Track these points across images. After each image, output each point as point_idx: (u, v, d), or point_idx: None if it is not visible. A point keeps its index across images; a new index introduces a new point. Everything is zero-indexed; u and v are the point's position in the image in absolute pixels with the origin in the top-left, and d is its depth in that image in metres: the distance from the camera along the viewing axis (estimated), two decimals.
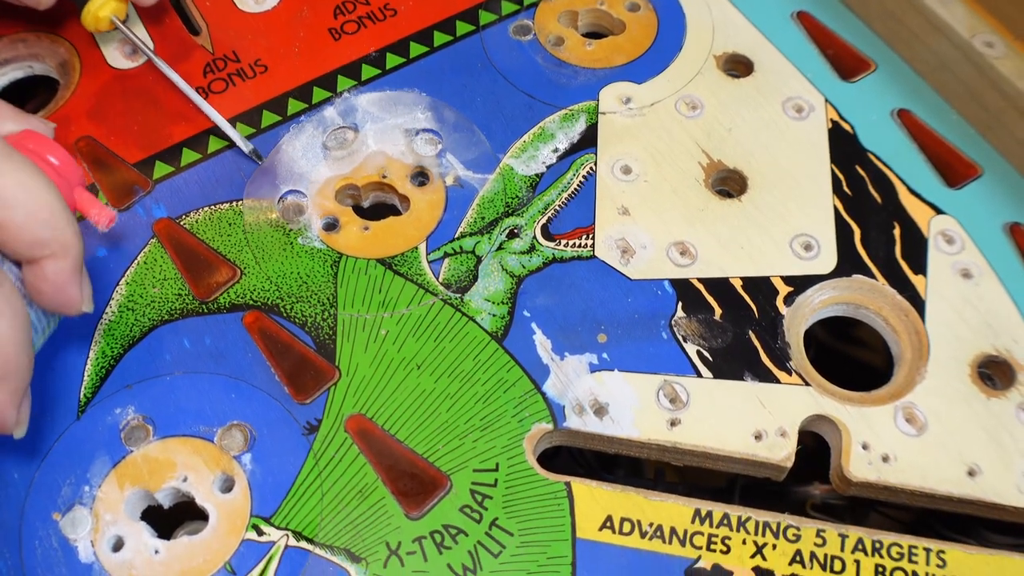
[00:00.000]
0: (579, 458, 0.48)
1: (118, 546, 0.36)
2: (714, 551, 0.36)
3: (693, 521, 0.37)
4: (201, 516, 0.37)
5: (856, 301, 0.42)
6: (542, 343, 0.40)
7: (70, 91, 0.46)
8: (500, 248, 0.42)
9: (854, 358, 0.54)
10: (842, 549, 0.37)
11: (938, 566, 0.36)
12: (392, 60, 0.47)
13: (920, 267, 0.42)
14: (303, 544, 0.36)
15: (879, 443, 0.38)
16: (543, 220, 0.43)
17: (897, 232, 0.43)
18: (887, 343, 0.42)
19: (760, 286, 0.41)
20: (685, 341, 0.40)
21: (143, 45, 0.45)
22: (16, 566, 0.35)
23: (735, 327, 0.40)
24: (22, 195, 0.32)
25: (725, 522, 0.37)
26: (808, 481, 0.46)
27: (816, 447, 0.40)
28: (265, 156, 0.44)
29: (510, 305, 0.41)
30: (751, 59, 0.48)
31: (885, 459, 0.38)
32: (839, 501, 0.47)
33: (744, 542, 0.36)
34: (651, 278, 0.41)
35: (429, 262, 0.42)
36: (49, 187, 0.32)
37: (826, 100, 0.47)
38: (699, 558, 0.36)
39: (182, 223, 0.43)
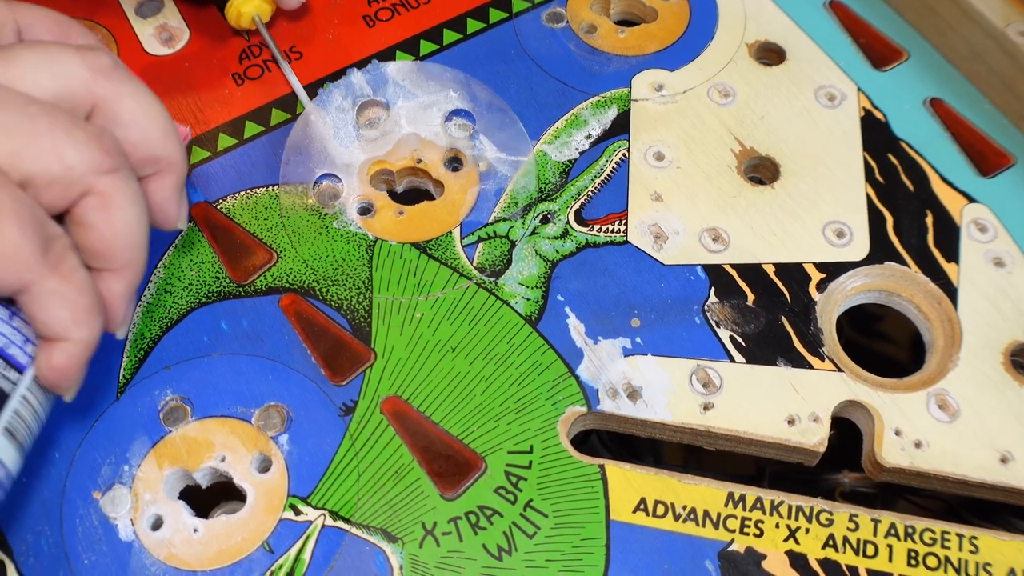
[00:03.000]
0: (609, 445, 0.49)
1: (157, 524, 0.36)
2: (747, 534, 0.36)
3: (726, 504, 0.37)
4: (238, 497, 0.37)
5: (889, 288, 0.42)
6: (576, 327, 0.40)
7: None
8: (534, 233, 0.42)
9: (879, 353, 0.54)
10: (875, 534, 0.37)
11: (971, 552, 0.36)
12: (425, 47, 0.48)
13: (953, 255, 0.42)
14: (340, 524, 0.36)
15: (912, 429, 0.38)
16: (576, 205, 0.43)
17: (930, 220, 0.43)
18: (919, 331, 0.42)
19: (793, 272, 0.42)
20: (718, 326, 0.40)
21: (278, 50, 0.46)
22: (57, 543, 0.36)
23: (768, 313, 0.41)
24: (140, 116, 0.34)
25: (758, 506, 0.37)
26: (837, 469, 0.47)
27: (841, 439, 0.41)
28: (292, 127, 0.45)
29: (544, 289, 0.41)
30: (783, 47, 0.48)
31: (918, 445, 0.38)
32: (868, 489, 0.47)
33: (777, 526, 0.37)
34: (684, 263, 0.42)
35: (463, 246, 0.42)
36: (161, 107, 0.34)
37: (858, 89, 0.47)
38: (732, 541, 0.36)
39: (219, 207, 0.43)
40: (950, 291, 0.41)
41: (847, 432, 0.40)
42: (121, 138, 0.33)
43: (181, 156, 0.36)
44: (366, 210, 0.43)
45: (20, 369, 0.32)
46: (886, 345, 0.54)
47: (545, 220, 0.43)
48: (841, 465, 0.46)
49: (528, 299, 0.41)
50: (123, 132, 0.33)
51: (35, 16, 0.36)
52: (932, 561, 0.36)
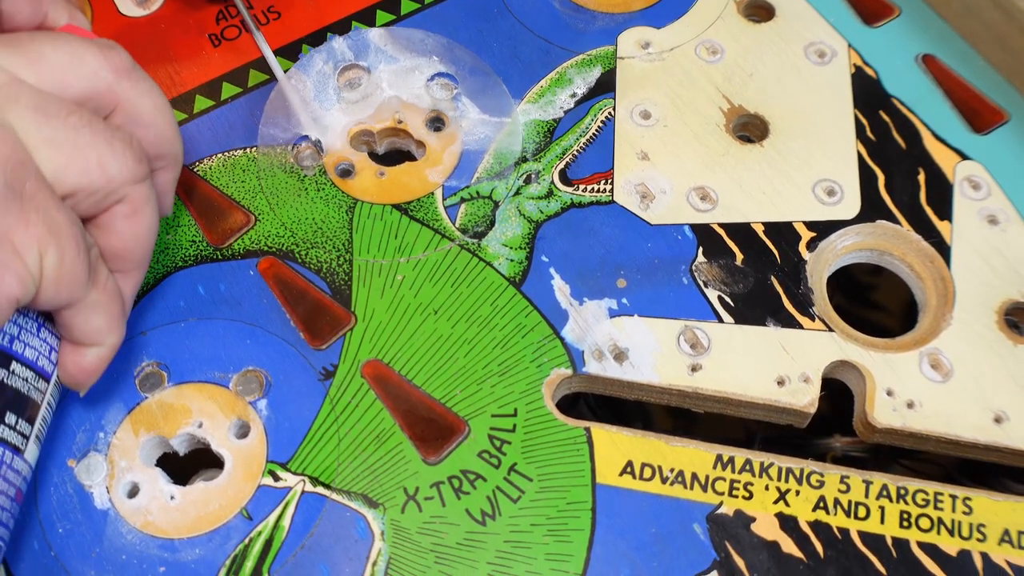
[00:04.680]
0: (597, 412, 0.48)
1: (133, 492, 0.35)
2: (736, 497, 0.36)
3: (715, 467, 0.36)
4: (216, 464, 0.37)
5: (880, 247, 0.41)
6: (560, 288, 0.39)
7: None
8: (517, 193, 0.41)
9: (870, 322, 0.53)
10: (866, 495, 0.36)
11: (964, 513, 0.36)
12: (407, 5, 0.46)
13: (945, 213, 0.42)
14: (320, 490, 0.35)
15: (904, 389, 0.38)
16: (561, 165, 0.42)
17: (922, 178, 0.42)
18: (911, 295, 0.41)
19: (782, 231, 0.41)
20: (706, 286, 0.39)
21: (251, 20, 0.45)
22: (31, 512, 0.35)
23: (757, 272, 0.40)
24: (157, 116, 0.34)
25: (747, 468, 0.36)
26: (828, 434, 0.46)
27: (832, 407, 0.40)
28: (272, 89, 0.44)
29: (528, 250, 0.40)
30: (772, 4, 0.47)
31: (910, 405, 0.37)
32: (860, 454, 0.47)
33: (767, 488, 0.36)
34: (671, 223, 0.41)
35: (445, 207, 0.41)
36: (170, 106, 0.35)
37: (849, 45, 0.46)
38: (721, 504, 0.36)
39: (195, 170, 0.42)
40: (943, 249, 0.41)
41: (838, 399, 0.40)
42: (139, 136, 0.33)
43: (182, 153, 0.36)
44: (346, 171, 0.42)
45: (47, 378, 0.33)
46: (878, 314, 0.53)
47: (528, 180, 0.42)
48: (832, 431, 0.45)
49: (512, 260, 0.40)
50: (141, 131, 0.34)
51: None
52: (925, 523, 0.36)
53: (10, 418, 0.31)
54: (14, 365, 0.32)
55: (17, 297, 0.29)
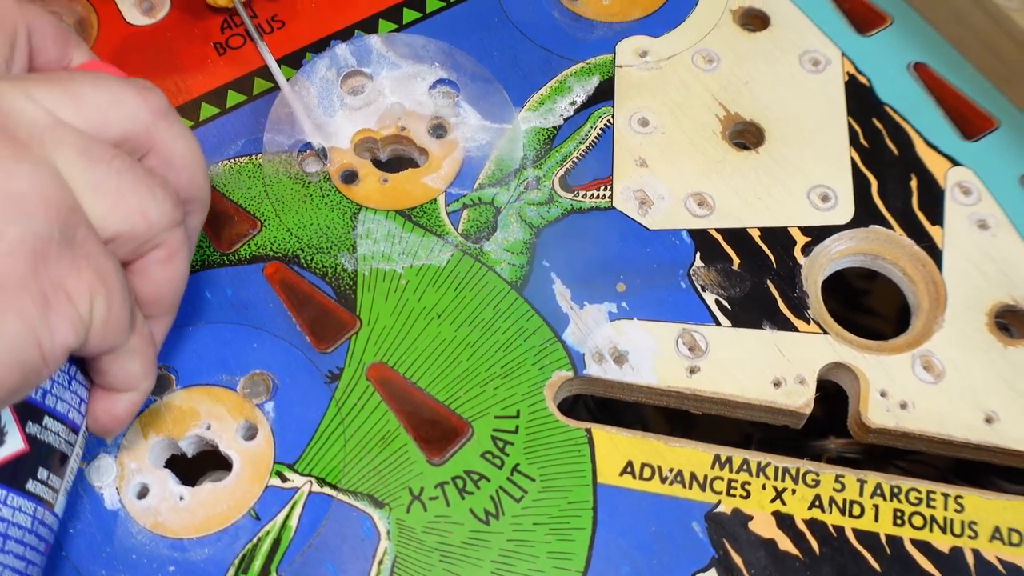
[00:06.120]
0: (598, 416, 0.49)
1: (143, 493, 0.36)
2: (734, 496, 0.37)
3: (713, 466, 0.37)
4: (225, 466, 0.37)
5: (873, 251, 0.42)
6: (561, 292, 0.40)
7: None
8: (518, 199, 0.42)
9: (864, 327, 0.54)
10: (861, 494, 0.37)
11: (956, 511, 0.37)
12: (409, 15, 0.47)
13: (937, 218, 0.42)
14: (326, 490, 0.36)
15: (897, 390, 0.38)
16: (561, 172, 0.43)
17: (914, 183, 0.43)
18: (904, 300, 0.42)
19: (778, 236, 0.42)
20: (703, 290, 0.40)
21: (255, 29, 0.46)
22: None
23: (753, 276, 0.41)
24: (190, 160, 0.34)
25: (745, 467, 0.37)
26: (824, 436, 0.47)
27: (827, 410, 0.41)
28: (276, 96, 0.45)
29: (529, 255, 0.41)
30: (767, 13, 0.48)
31: (903, 406, 0.38)
32: (855, 455, 0.47)
33: (764, 487, 0.37)
34: (669, 228, 0.42)
35: (448, 213, 0.42)
36: (201, 150, 0.35)
37: (842, 54, 0.47)
38: (719, 503, 0.36)
39: None
40: (935, 253, 0.42)
41: (832, 404, 0.40)
42: (171, 179, 0.33)
43: (210, 196, 0.36)
44: (350, 178, 0.43)
45: (77, 431, 0.33)
46: (871, 320, 0.54)
47: (528, 187, 0.42)
48: (827, 433, 0.46)
49: (513, 265, 0.41)
50: (173, 175, 0.33)
51: (41, 21, 0.35)
52: (918, 520, 0.36)
53: (42, 473, 0.31)
54: (46, 420, 0.32)
55: (70, 346, 0.28)
